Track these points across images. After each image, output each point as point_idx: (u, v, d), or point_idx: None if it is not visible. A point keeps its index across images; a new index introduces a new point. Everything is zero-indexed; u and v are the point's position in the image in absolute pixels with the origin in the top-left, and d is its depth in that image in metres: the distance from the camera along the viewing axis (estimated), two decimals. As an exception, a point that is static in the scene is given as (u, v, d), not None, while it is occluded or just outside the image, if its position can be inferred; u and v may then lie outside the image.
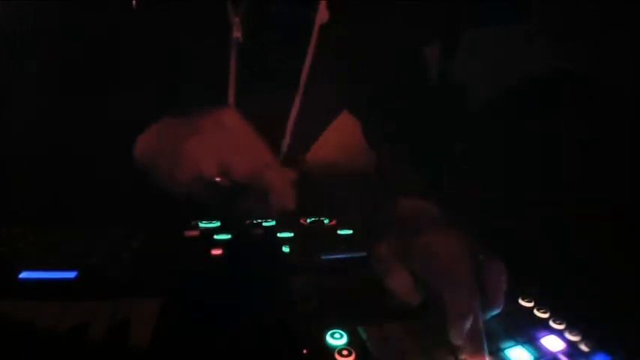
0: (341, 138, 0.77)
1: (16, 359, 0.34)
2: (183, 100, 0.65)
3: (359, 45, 0.76)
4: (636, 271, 0.51)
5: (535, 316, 0.44)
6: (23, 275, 0.44)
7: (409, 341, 0.39)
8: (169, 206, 0.58)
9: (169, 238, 0.53)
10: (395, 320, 0.41)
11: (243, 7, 0.71)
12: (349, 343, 0.37)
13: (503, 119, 0.67)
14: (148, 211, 0.58)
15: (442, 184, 0.63)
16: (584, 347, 0.40)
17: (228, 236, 0.53)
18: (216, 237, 0.53)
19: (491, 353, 0.38)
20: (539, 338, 0.41)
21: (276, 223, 0.57)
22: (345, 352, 0.36)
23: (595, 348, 0.39)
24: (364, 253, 0.52)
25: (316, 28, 0.73)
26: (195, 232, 0.53)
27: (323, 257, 0.51)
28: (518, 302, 0.45)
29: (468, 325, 0.37)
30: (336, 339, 0.38)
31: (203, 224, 0.55)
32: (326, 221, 0.58)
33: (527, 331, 0.41)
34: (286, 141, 0.74)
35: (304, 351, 0.36)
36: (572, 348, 0.40)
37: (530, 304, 0.45)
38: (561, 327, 0.42)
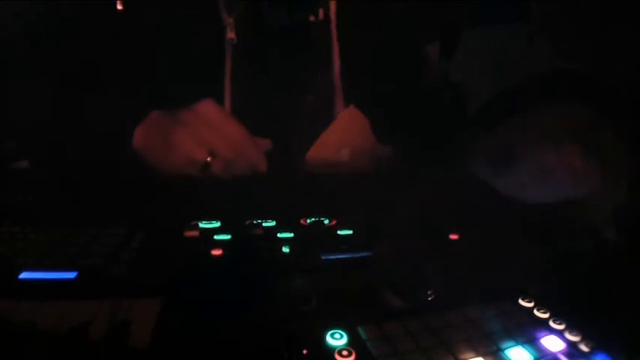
0: (341, 138, 0.77)
1: (16, 359, 0.34)
2: (179, 100, 0.66)
3: (360, 44, 0.76)
4: (636, 271, 0.51)
5: (535, 316, 0.44)
6: (23, 275, 0.44)
7: (409, 341, 0.39)
8: (169, 206, 0.59)
9: (169, 238, 0.53)
10: (395, 320, 0.41)
11: (236, 8, 0.71)
12: (349, 343, 0.37)
13: (503, 119, 0.67)
14: (148, 211, 0.58)
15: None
16: (584, 347, 0.40)
17: (228, 236, 0.53)
18: (216, 237, 0.53)
19: (491, 353, 0.38)
20: (539, 338, 0.41)
21: (276, 223, 0.57)
22: (345, 352, 0.36)
23: (595, 348, 0.39)
24: (364, 253, 0.52)
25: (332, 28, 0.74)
26: (195, 232, 0.53)
27: (323, 257, 0.51)
28: (518, 302, 0.46)
29: None
30: (336, 339, 0.38)
31: (203, 224, 0.55)
32: (326, 221, 0.58)
33: (527, 331, 0.41)
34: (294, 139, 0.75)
35: (304, 351, 0.36)
36: (572, 348, 0.40)
37: (530, 304, 0.45)
38: (561, 327, 0.42)
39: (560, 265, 0.49)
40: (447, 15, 0.83)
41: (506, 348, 0.39)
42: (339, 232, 0.56)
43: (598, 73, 0.71)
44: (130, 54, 0.70)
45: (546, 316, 0.44)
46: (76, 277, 0.44)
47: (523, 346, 0.39)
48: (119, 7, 0.68)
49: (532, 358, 0.38)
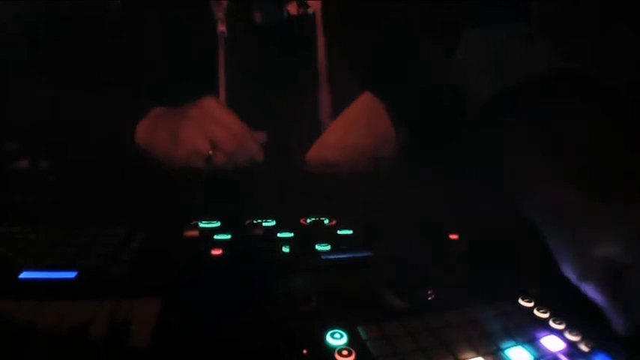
0: (341, 138, 0.77)
1: (16, 359, 0.34)
2: (177, 94, 0.67)
3: (359, 44, 0.76)
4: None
5: (535, 316, 0.44)
6: (23, 275, 0.44)
7: (409, 341, 0.39)
8: (169, 206, 0.59)
9: (169, 238, 0.53)
10: (395, 320, 0.41)
11: (226, 2, 0.71)
12: (349, 343, 0.37)
13: (502, 119, 0.67)
14: (148, 211, 0.58)
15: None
16: (584, 347, 0.40)
17: (228, 236, 0.53)
18: (216, 237, 0.53)
19: (491, 353, 0.38)
20: (539, 338, 0.41)
21: (276, 223, 0.57)
22: (345, 352, 0.36)
23: (595, 348, 0.39)
24: (364, 253, 0.52)
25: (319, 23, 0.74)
26: (195, 232, 0.53)
27: (323, 257, 0.51)
28: (518, 302, 0.46)
29: None
30: (336, 339, 0.38)
31: (203, 224, 0.55)
32: (326, 221, 0.58)
33: (527, 331, 0.41)
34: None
35: (304, 351, 0.36)
36: (572, 348, 0.40)
37: (530, 304, 0.45)
38: (561, 327, 0.42)
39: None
40: (447, 15, 0.83)
41: (506, 348, 0.39)
42: (339, 232, 0.56)
43: (598, 73, 0.71)
44: (125, 52, 0.70)
45: (546, 316, 0.44)
46: (76, 277, 0.44)
47: (523, 346, 0.39)
48: (109, 5, 0.69)
49: (532, 358, 0.38)
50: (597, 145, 0.56)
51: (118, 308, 0.39)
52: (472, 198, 0.60)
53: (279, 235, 0.54)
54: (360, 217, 0.59)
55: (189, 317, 0.39)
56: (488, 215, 0.57)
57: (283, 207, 0.61)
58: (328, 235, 0.55)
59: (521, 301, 0.46)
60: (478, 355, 0.38)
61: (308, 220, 0.58)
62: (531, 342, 0.40)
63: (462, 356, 0.38)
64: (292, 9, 0.74)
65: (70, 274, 0.44)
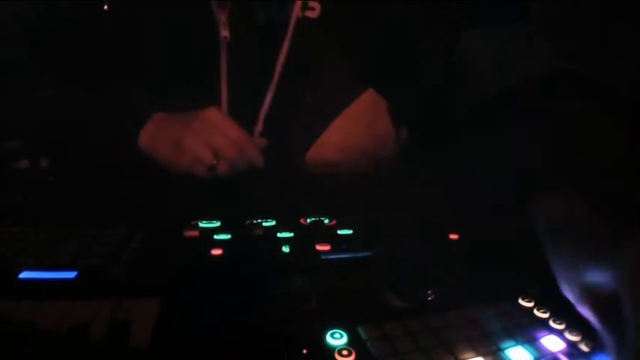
0: (341, 138, 0.77)
1: (16, 359, 0.34)
2: (179, 96, 0.67)
3: (359, 43, 0.76)
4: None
5: (535, 316, 0.44)
6: (23, 275, 0.44)
7: (409, 341, 0.39)
8: (169, 206, 0.59)
9: (169, 238, 0.53)
10: (395, 320, 0.41)
11: (228, 6, 0.71)
12: (349, 343, 0.37)
13: (502, 119, 0.67)
14: (148, 211, 0.58)
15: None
16: (584, 347, 0.40)
17: (228, 236, 0.53)
18: (216, 237, 0.53)
19: (491, 353, 0.38)
20: (539, 338, 0.41)
21: (276, 223, 0.57)
22: (345, 352, 0.36)
23: (595, 348, 0.39)
24: (364, 253, 0.52)
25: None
26: (195, 232, 0.53)
27: (323, 257, 0.51)
28: (518, 302, 0.45)
29: None
30: (336, 339, 0.38)
31: (203, 224, 0.55)
32: (326, 221, 0.58)
33: (527, 331, 0.41)
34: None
35: (304, 351, 0.36)
36: (572, 348, 0.40)
37: (530, 304, 0.45)
38: (561, 327, 0.42)
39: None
40: (447, 15, 0.83)
41: (506, 348, 0.39)
42: (339, 232, 0.56)
43: (598, 73, 0.71)
44: (126, 54, 0.70)
45: (546, 316, 0.44)
46: (76, 277, 0.44)
47: (523, 346, 0.39)
48: (105, 7, 0.69)
49: (532, 358, 0.38)
50: (597, 146, 0.56)
51: (118, 308, 0.39)
52: (472, 198, 0.60)
53: (279, 235, 0.54)
54: (360, 217, 0.59)
55: (189, 317, 0.39)
56: (488, 215, 0.57)
57: (283, 207, 0.61)
58: (328, 235, 0.55)
59: (521, 301, 0.46)
60: (478, 355, 0.38)
61: (308, 220, 0.58)
62: (531, 342, 0.40)
63: (462, 356, 0.38)
64: (295, 11, 0.74)
65: (70, 274, 0.44)
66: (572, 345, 0.40)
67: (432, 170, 0.68)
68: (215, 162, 0.64)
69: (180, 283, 0.44)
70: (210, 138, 0.64)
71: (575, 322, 0.42)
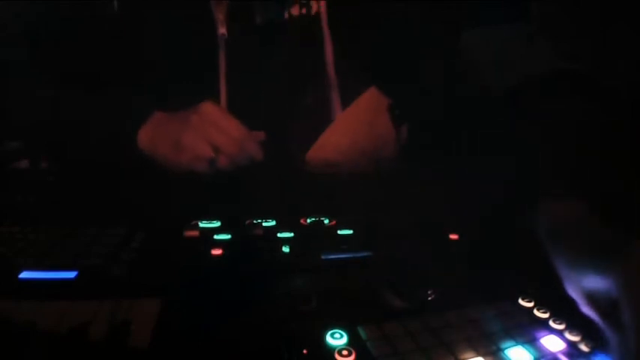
0: (341, 138, 0.77)
1: (16, 359, 0.34)
2: (178, 95, 0.67)
3: (359, 43, 0.76)
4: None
5: (535, 316, 0.44)
6: (23, 275, 0.44)
7: (409, 341, 0.39)
8: (169, 206, 0.59)
9: (169, 238, 0.53)
10: (395, 320, 0.41)
11: (226, 4, 0.71)
12: (349, 343, 0.37)
13: (503, 119, 0.67)
14: (148, 211, 0.58)
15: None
16: (584, 347, 0.40)
17: (228, 236, 0.53)
18: (216, 237, 0.53)
19: (491, 353, 0.38)
20: (539, 338, 0.41)
21: (276, 223, 0.57)
22: (345, 352, 0.36)
23: (595, 348, 0.39)
24: (364, 253, 0.52)
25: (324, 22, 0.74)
26: (195, 232, 0.53)
27: (323, 257, 0.51)
28: (518, 302, 0.46)
29: None
30: (336, 339, 0.38)
31: (203, 224, 0.55)
32: (326, 221, 0.58)
33: (527, 331, 0.41)
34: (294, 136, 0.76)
35: (304, 351, 0.36)
36: (572, 348, 0.40)
37: (530, 304, 0.45)
38: (561, 327, 0.42)
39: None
40: (447, 15, 0.83)
41: (506, 348, 0.39)
42: (339, 232, 0.56)
43: (598, 73, 0.71)
44: (125, 53, 0.70)
45: (546, 316, 0.44)
46: (76, 277, 0.44)
47: (523, 346, 0.39)
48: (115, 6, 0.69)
49: (532, 358, 0.38)
50: (597, 146, 0.56)
51: (118, 308, 0.39)
52: (472, 198, 0.60)
53: (279, 235, 0.54)
54: (360, 217, 0.59)
55: (189, 317, 0.39)
56: (489, 215, 0.57)
57: (283, 207, 0.61)
58: (328, 235, 0.55)
59: (521, 301, 0.46)
60: (478, 355, 0.38)
61: (308, 220, 0.58)
62: (531, 342, 0.40)
63: (462, 356, 0.38)
64: (294, 10, 0.74)
65: (70, 274, 0.44)
66: (572, 345, 0.40)
67: (432, 170, 0.68)
68: (214, 156, 0.64)
69: (180, 283, 0.44)
70: (208, 133, 0.64)
71: (575, 322, 0.42)
